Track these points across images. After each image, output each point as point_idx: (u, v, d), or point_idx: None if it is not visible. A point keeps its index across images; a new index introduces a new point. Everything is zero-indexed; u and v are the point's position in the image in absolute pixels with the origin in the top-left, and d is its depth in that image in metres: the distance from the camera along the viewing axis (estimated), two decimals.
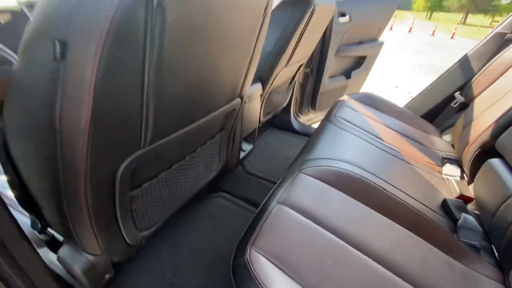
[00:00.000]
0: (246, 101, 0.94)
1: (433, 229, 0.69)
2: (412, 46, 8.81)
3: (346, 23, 1.63)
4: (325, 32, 1.54)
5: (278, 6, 0.98)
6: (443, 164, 1.03)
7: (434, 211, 0.75)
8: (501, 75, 1.05)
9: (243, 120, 0.99)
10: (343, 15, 1.61)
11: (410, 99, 1.50)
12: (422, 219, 0.70)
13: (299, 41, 1.05)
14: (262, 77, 1.04)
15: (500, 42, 1.16)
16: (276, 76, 1.09)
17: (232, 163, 1.04)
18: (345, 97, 1.37)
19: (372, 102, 1.36)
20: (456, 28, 13.97)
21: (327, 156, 0.82)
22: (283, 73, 1.15)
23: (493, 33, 1.19)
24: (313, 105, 1.88)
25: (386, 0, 1.80)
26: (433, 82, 1.39)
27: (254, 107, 1.04)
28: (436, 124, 1.35)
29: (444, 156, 1.06)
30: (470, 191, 0.89)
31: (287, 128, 1.80)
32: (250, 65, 0.71)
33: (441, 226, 0.70)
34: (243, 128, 1.00)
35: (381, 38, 1.89)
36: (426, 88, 1.41)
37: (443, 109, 1.34)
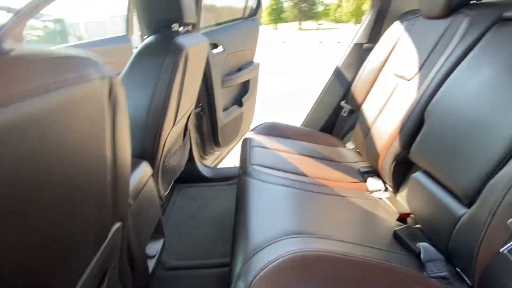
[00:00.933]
0: (132, 203, 0.63)
1: (404, 278, 0.61)
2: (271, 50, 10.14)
3: (222, 52, 1.52)
4: (205, 68, 1.38)
5: (138, 60, 0.72)
6: (365, 179, 1.03)
7: (393, 252, 0.68)
8: (374, 82, 1.15)
9: (138, 225, 0.67)
10: (215, 46, 1.50)
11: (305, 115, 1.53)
12: (392, 272, 0.61)
13: (181, 92, 0.83)
14: (147, 154, 0.75)
15: (360, 51, 1.30)
16: (165, 142, 0.82)
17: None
18: (251, 135, 1.24)
19: (278, 131, 1.30)
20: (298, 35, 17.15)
21: (271, 238, 0.63)
22: (173, 134, 0.89)
23: (352, 44, 1.33)
24: (216, 142, 1.69)
25: (248, 24, 1.83)
26: (319, 95, 1.45)
27: (148, 196, 0.74)
28: (335, 135, 1.41)
29: (362, 170, 1.07)
30: (400, 202, 0.89)
31: (197, 178, 1.53)
32: (115, 170, 0.43)
33: (408, 270, 0.63)
34: (140, 238, 0.68)
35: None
36: (315, 102, 1.46)
37: (336, 119, 1.41)
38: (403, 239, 0.71)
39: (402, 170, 0.86)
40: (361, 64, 1.23)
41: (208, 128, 1.63)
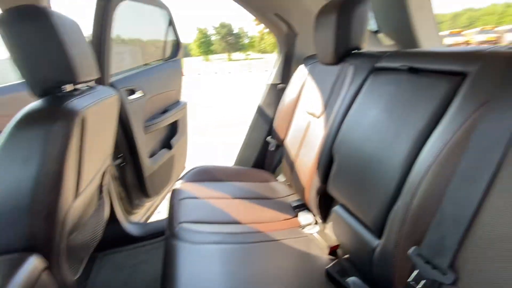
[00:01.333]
0: None
1: None
2: (205, 82, 10.29)
3: (141, 97, 1.44)
4: (122, 117, 1.27)
5: (16, 132, 0.60)
6: (296, 214, 1.06)
7: None
8: (291, 118, 1.24)
9: None
10: (132, 92, 1.42)
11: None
12: None
13: (82, 160, 0.72)
14: (38, 243, 0.61)
15: (275, 91, 1.40)
16: (64, 221, 0.68)
17: None
18: (179, 185, 1.16)
19: (209, 175, 1.25)
20: (228, 66, 18.03)
21: None
22: (77, 207, 0.76)
23: (268, 85, 1.42)
24: (144, 193, 1.53)
25: (170, 65, 1.81)
26: (247, 133, 1.48)
27: None
28: (267, 169, 1.45)
29: (293, 205, 1.10)
30: (329, 235, 0.93)
31: (123, 241, 1.34)
32: None
33: None
34: None
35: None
36: (244, 140, 1.49)
37: (265, 154, 1.46)
38: (334, 277, 0.73)
39: (326, 203, 0.91)
40: (279, 102, 1.32)
41: (134, 179, 1.47)
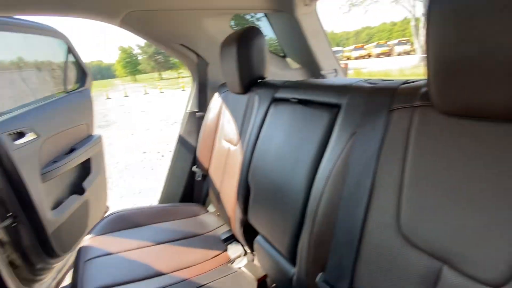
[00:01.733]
0: None
1: None
2: (135, 109, 9.58)
3: (34, 140, 1.22)
4: (8, 168, 1.05)
5: None
6: (226, 247, 1.02)
7: None
8: (213, 146, 1.21)
9: None
10: (21, 135, 1.19)
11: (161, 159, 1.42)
12: None
13: None
14: None
15: (195, 119, 1.36)
16: None
17: None
18: (87, 242, 0.99)
19: (126, 221, 1.11)
20: (159, 85, 17.21)
21: None
22: None
23: (187, 114, 1.38)
24: (50, 253, 1.27)
25: (76, 97, 1.60)
26: (170, 165, 1.39)
27: None
28: (197, 201, 1.38)
29: (222, 237, 1.05)
30: (257, 265, 0.92)
31: None
32: None
33: None
34: None
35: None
36: (167, 174, 1.39)
37: (193, 185, 1.39)
38: None
39: (251, 234, 0.90)
40: (199, 129, 1.29)
41: (32, 239, 1.21)
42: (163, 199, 1.39)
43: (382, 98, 0.52)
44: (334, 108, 0.63)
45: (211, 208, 1.33)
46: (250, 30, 0.95)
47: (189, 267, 0.90)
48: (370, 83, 0.60)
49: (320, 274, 0.56)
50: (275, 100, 0.86)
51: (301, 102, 0.72)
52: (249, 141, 0.89)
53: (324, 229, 0.56)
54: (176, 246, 1.02)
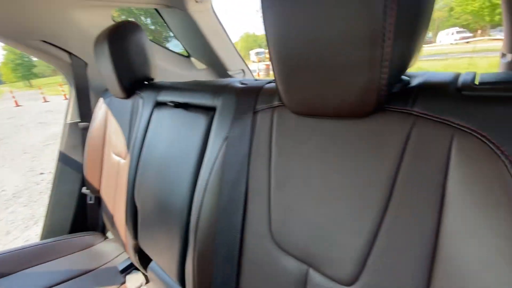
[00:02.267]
0: None
1: None
2: (31, 121, 7.89)
3: None
4: None
5: None
6: (124, 279, 0.87)
7: None
8: (102, 162, 1.03)
9: None
10: None
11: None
12: None
13: None
14: None
15: (78, 130, 1.13)
16: None
17: None
18: None
19: None
20: (63, 91, 14.56)
21: None
22: None
23: (68, 125, 1.14)
24: None
25: None
26: (52, 191, 1.13)
27: None
28: (94, 228, 1.16)
29: (121, 268, 0.90)
30: None
31: None
32: None
33: None
34: None
35: None
36: (49, 202, 1.13)
37: (85, 209, 1.16)
38: None
39: (147, 259, 0.79)
40: (85, 143, 1.08)
41: None
42: (47, 234, 1.12)
43: (248, 99, 0.49)
44: (210, 111, 0.58)
45: (110, 235, 1.14)
46: (125, 25, 0.82)
47: None
48: (242, 83, 0.56)
49: None
50: (158, 104, 0.75)
51: (180, 105, 0.64)
52: (134, 153, 0.77)
53: (206, 245, 0.51)
54: None
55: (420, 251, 0.30)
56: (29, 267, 0.92)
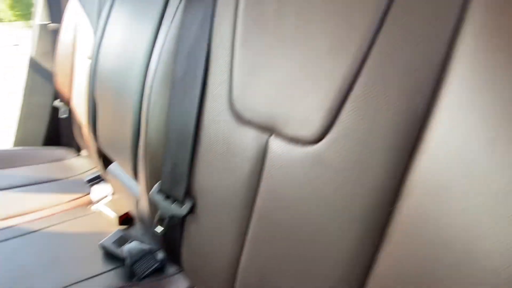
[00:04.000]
0: None
1: None
2: None
3: None
4: None
5: None
6: (89, 190, 0.83)
7: (99, 274, 0.53)
8: (72, 69, 0.93)
9: None
10: None
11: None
12: None
13: None
14: None
15: (49, 34, 1.02)
16: None
17: None
18: None
19: None
20: None
21: None
22: None
23: (38, 27, 1.01)
24: None
25: None
26: (23, 101, 1.05)
27: None
28: (66, 144, 1.10)
29: (87, 179, 0.85)
30: (121, 202, 0.77)
31: None
32: None
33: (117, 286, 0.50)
34: None
35: None
36: (20, 111, 1.05)
37: (58, 123, 1.09)
38: (109, 251, 0.58)
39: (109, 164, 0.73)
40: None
41: None
42: (17, 143, 1.07)
43: None
44: None
45: (85, 153, 1.08)
46: None
47: (30, 212, 0.70)
48: None
49: (157, 184, 0.44)
50: None
51: None
52: (94, 50, 0.68)
53: (157, 131, 0.44)
54: (17, 193, 0.78)
55: (410, 101, 0.22)
56: None
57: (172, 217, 0.42)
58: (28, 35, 1.08)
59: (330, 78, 0.26)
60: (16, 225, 0.64)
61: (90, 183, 0.84)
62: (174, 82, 0.40)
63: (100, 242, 0.58)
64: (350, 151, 0.25)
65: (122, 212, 0.70)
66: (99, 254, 0.58)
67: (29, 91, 1.05)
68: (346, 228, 0.26)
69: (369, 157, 0.24)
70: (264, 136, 0.32)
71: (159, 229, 0.44)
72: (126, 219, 0.70)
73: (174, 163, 0.41)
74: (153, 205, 0.46)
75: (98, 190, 0.81)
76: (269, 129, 0.32)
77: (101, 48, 0.65)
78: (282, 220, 0.31)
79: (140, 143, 0.49)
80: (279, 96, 0.30)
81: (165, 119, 0.42)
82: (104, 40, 0.64)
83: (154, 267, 0.56)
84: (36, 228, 0.64)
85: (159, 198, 0.43)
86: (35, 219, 0.68)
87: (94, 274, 0.53)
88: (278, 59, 0.30)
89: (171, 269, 0.57)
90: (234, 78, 0.34)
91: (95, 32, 0.75)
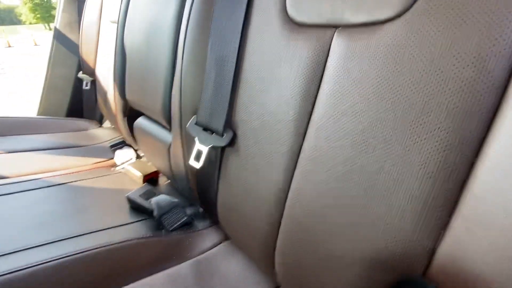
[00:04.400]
0: None
1: (140, 248, 0.46)
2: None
3: None
4: None
5: None
6: (113, 155, 0.81)
7: (128, 223, 0.51)
8: (98, 37, 0.93)
9: None
10: None
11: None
12: (121, 251, 0.44)
13: None
14: None
15: (74, 4, 1.02)
16: None
17: None
18: None
19: None
20: None
21: None
22: None
23: None
24: None
25: None
26: (47, 73, 1.06)
27: None
28: (89, 116, 1.10)
29: (111, 144, 0.84)
30: (147, 163, 0.75)
31: None
32: None
33: (146, 236, 0.48)
34: None
35: None
36: (44, 82, 1.06)
37: (81, 96, 1.09)
38: (136, 202, 0.55)
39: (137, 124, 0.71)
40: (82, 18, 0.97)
41: None
42: (41, 113, 1.07)
43: None
44: None
45: (107, 124, 1.08)
46: None
47: (56, 170, 0.68)
48: None
49: (193, 117, 0.42)
50: None
51: None
52: (121, 13, 0.67)
53: (193, 71, 0.42)
54: (42, 155, 0.77)
55: None
56: (22, 134, 0.88)
57: (211, 150, 0.39)
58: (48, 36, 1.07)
59: None
60: (43, 178, 0.63)
61: (113, 148, 0.83)
62: (214, 10, 0.37)
63: (127, 194, 0.56)
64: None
65: (147, 172, 0.68)
66: (125, 207, 0.56)
67: (53, 62, 1.06)
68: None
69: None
70: (326, 34, 0.28)
71: (196, 164, 0.41)
72: (151, 180, 0.68)
73: (213, 92, 0.38)
74: (189, 141, 0.43)
75: (122, 154, 0.79)
76: (332, 25, 0.28)
77: (129, 9, 0.64)
78: (344, 146, 0.26)
79: (174, 82, 0.46)
80: None
81: (201, 50, 0.40)
82: (131, 2, 0.63)
83: (183, 220, 0.53)
84: (63, 181, 0.63)
85: (197, 130, 0.40)
86: (62, 175, 0.67)
87: (120, 224, 0.51)
88: None
89: (201, 223, 0.54)
90: None
91: None
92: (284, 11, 0.32)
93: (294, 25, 0.31)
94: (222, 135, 0.38)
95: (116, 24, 0.78)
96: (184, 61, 0.44)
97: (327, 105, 0.28)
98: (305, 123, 0.30)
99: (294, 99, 0.31)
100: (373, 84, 0.24)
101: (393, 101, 0.23)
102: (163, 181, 0.70)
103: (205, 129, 0.40)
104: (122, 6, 0.69)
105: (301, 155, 0.31)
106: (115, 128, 0.93)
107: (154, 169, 0.69)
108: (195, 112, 0.42)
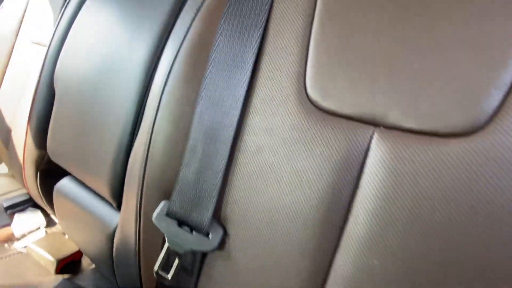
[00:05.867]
0: None
1: None
2: None
3: None
4: None
5: None
6: (11, 218, 0.57)
7: None
8: (9, 58, 0.71)
9: None
10: None
11: None
12: None
13: None
14: None
15: None
16: None
17: None
18: None
19: None
20: None
21: None
22: None
23: None
24: None
25: None
26: None
27: None
28: None
29: (6, 205, 0.59)
30: (63, 239, 0.54)
31: None
32: None
33: None
34: None
35: None
36: None
37: None
38: None
39: (52, 183, 0.52)
40: None
41: None
42: None
43: None
44: None
45: (2, 169, 0.79)
46: None
47: None
48: None
49: (164, 202, 0.30)
50: None
51: None
52: (56, 36, 0.53)
53: (166, 141, 0.32)
54: None
55: None
56: None
57: (189, 254, 0.28)
58: None
59: (488, 43, 0.20)
60: None
61: (11, 211, 0.59)
62: (208, 67, 0.29)
63: None
64: None
65: (64, 254, 0.48)
66: None
67: None
68: None
69: None
70: (364, 132, 0.23)
71: (164, 274, 0.28)
72: (69, 265, 0.48)
73: (197, 172, 0.28)
74: (152, 235, 0.31)
75: (23, 220, 0.56)
76: (371, 123, 0.23)
77: (70, 33, 0.50)
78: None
79: (135, 146, 0.34)
80: (387, 86, 0.23)
81: (182, 108, 0.30)
82: (74, 28, 0.49)
83: None
84: None
85: (168, 224, 0.28)
86: None
87: None
88: (378, 44, 0.24)
89: None
90: (311, 58, 0.26)
91: (57, 18, 0.59)
92: (303, 91, 0.26)
93: (317, 110, 0.26)
94: (207, 235, 0.28)
95: (42, 47, 0.61)
96: (157, 119, 0.33)
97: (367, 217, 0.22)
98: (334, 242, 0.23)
99: (317, 206, 0.24)
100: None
101: None
102: (86, 264, 0.51)
103: (181, 223, 0.29)
104: (58, 27, 0.54)
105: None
106: (16, 178, 0.68)
107: (73, 248, 0.49)
108: (165, 196, 0.30)
